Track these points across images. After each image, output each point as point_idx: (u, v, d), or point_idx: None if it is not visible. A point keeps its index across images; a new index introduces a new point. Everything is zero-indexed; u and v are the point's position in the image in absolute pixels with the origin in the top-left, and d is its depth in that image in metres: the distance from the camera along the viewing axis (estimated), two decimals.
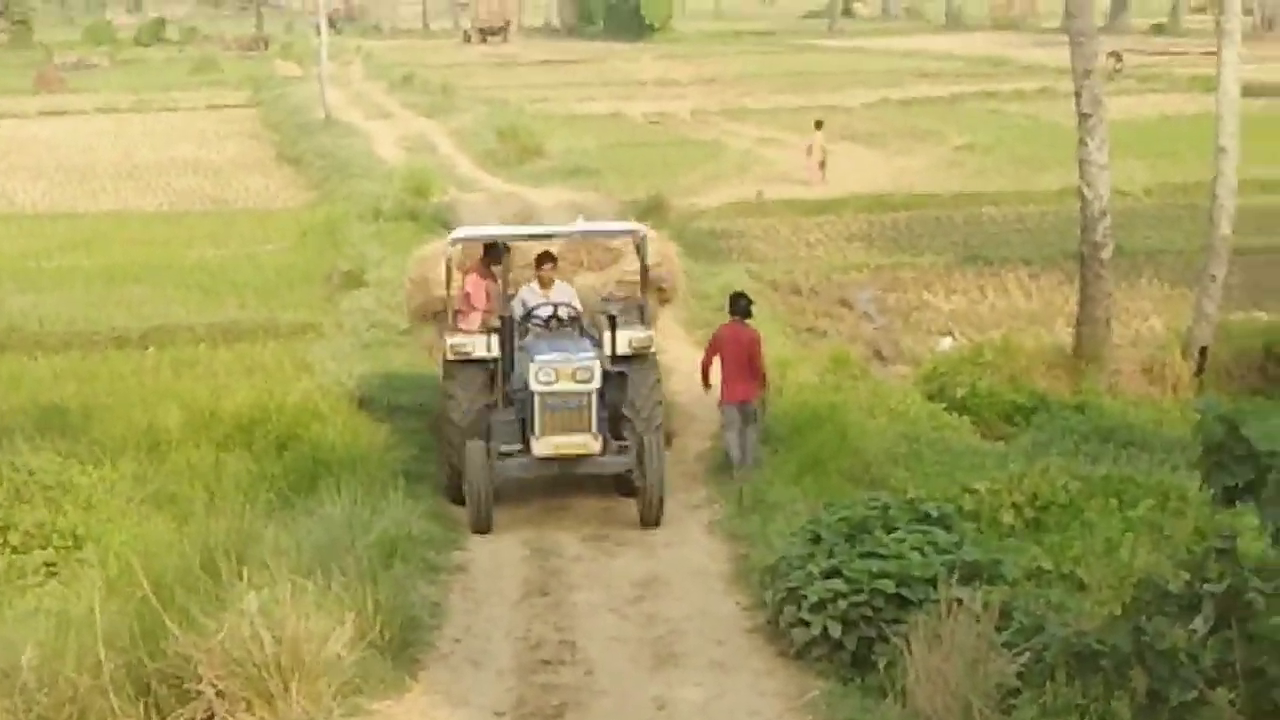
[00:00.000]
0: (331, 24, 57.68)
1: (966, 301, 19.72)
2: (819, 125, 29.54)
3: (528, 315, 11.25)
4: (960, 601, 6.28)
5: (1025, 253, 21.67)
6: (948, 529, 8.10)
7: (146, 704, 6.19)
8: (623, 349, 11.06)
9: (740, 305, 11.59)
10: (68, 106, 47.62)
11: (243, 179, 32.60)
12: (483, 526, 10.29)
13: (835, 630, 7.20)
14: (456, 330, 11.32)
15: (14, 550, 9.85)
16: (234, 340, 17.16)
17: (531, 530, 10.36)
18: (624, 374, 10.95)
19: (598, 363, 10.48)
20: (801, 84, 47.87)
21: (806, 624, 7.36)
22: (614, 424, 10.85)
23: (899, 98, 42.10)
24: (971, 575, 7.06)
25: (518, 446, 10.58)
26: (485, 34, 72.11)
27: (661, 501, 10.36)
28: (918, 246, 22.99)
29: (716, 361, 11.40)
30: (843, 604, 7.24)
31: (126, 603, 6.73)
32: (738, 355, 11.27)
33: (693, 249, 18.85)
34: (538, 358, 10.35)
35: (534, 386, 10.28)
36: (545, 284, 11.63)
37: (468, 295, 11.57)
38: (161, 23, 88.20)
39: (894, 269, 21.52)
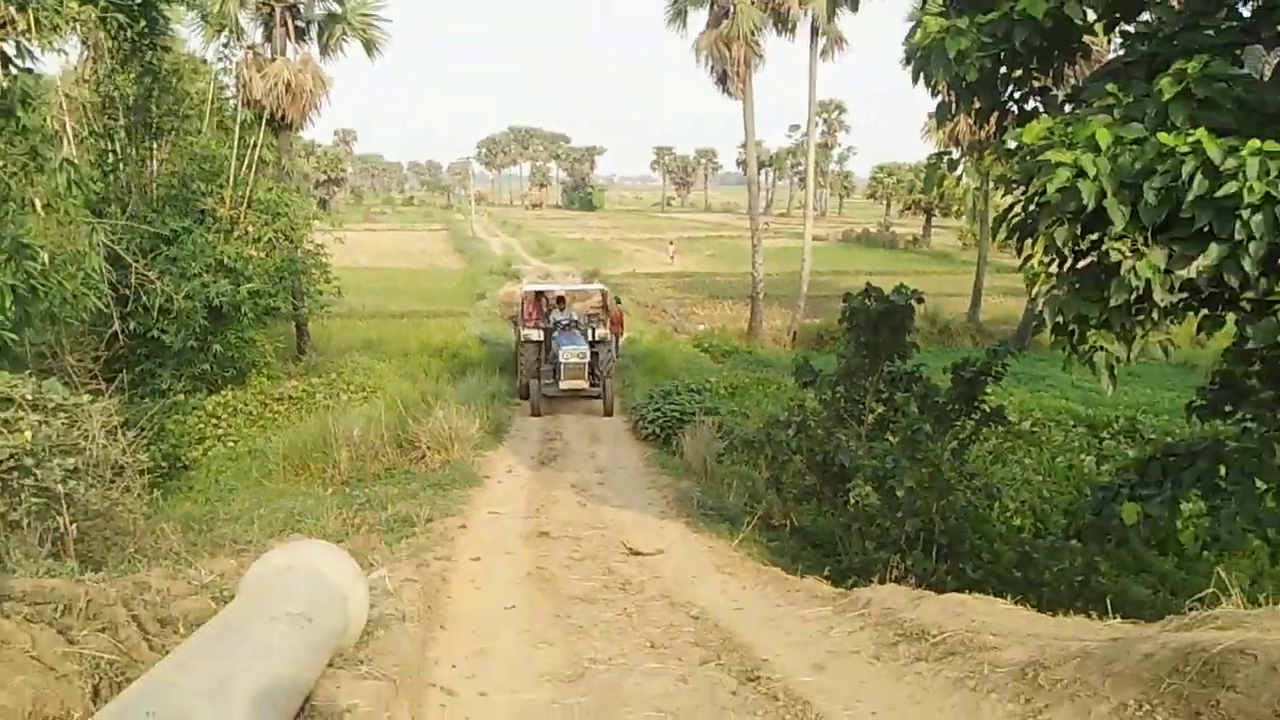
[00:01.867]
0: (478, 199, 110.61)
1: (710, 311, 37.81)
2: (671, 242, 59.72)
3: (556, 323, 20.54)
4: (703, 420, 15.47)
5: (732, 294, 39.82)
6: (699, 393, 18.08)
7: (402, 451, 15.45)
8: (597, 338, 20.36)
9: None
10: (376, 229, 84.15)
11: (441, 256, 62.36)
12: (536, 413, 19.15)
13: (657, 429, 16.66)
14: (526, 327, 20.50)
15: (351, 392, 21.35)
16: (437, 316, 33.84)
17: (554, 413, 19.42)
18: (597, 351, 19.99)
19: (588, 348, 19.59)
20: (656, 229, 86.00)
21: (647, 428, 16.89)
22: (594, 374, 19.67)
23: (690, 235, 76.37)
24: (708, 411, 16.28)
25: (551, 383, 19.57)
26: (534, 205, 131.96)
27: (612, 406, 19.30)
28: (695, 290, 43.29)
29: None
30: (660, 420, 16.68)
31: (393, 412, 15.86)
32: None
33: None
34: (564, 346, 19.44)
35: (562, 359, 19.34)
36: (562, 309, 21.48)
37: (530, 312, 21.13)
38: (411, 198, 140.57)
39: (683, 299, 40.62)
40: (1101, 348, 6.17)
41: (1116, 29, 7.49)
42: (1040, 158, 5.87)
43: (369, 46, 27.43)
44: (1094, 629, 5.15)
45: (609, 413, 19.22)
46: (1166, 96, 5.77)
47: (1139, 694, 4.03)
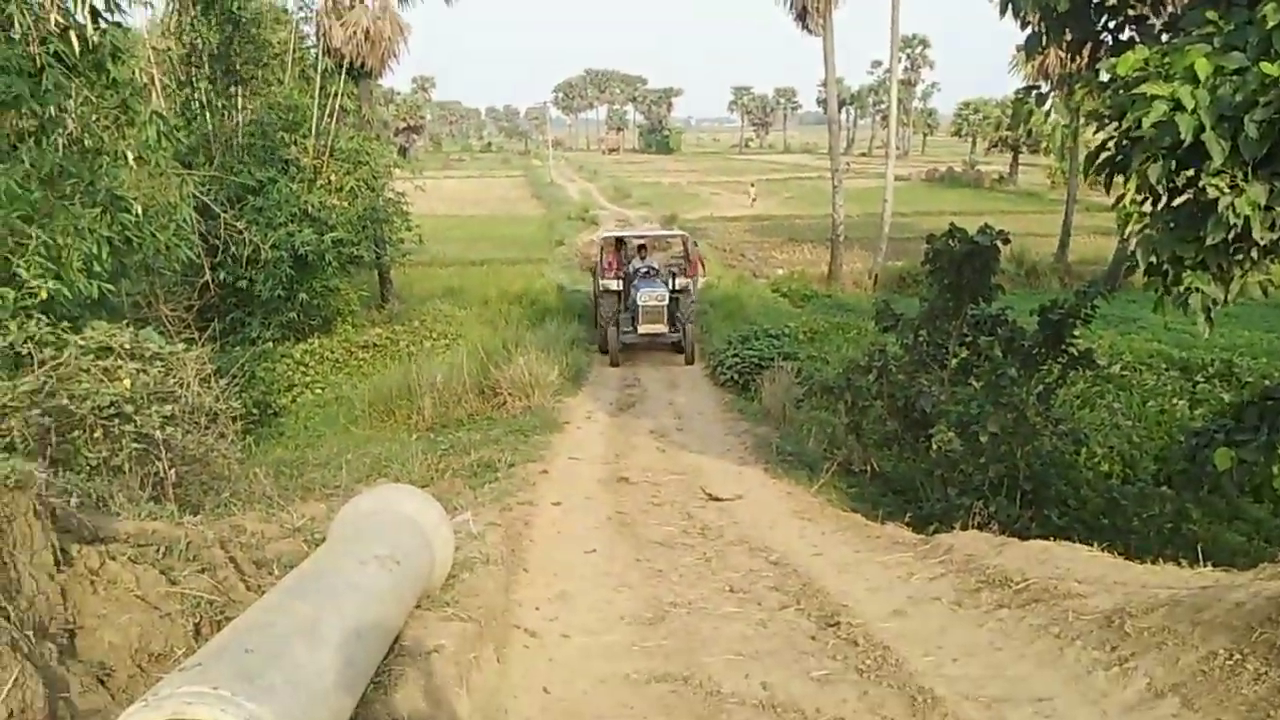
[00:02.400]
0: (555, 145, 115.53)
1: (789, 255, 37.24)
2: (752, 184, 58.83)
3: (635, 272, 19.92)
4: (781, 366, 15.40)
5: (811, 237, 39.00)
6: (777, 339, 17.72)
7: (484, 398, 15.68)
8: (677, 287, 19.53)
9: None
10: (454, 176, 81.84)
11: (519, 203, 61.36)
12: (615, 364, 18.74)
13: (735, 375, 16.59)
14: (604, 278, 19.96)
15: (433, 339, 21.66)
16: (516, 264, 33.78)
17: (633, 362, 19.11)
18: (677, 298, 19.29)
19: (667, 292, 19.00)
20: (733, 171, 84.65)
21: (725, 374, 16.83)
22: (673, 320, 19.05)
23: (769, 177, 74.70)
24: (787, 357, 16.17)
25: (630, 329, 19.01)
26: (611, 150, 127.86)
27: (693, 354, 18.94)
28: (774, 233, 42.10)
29: None
30: (737, 364, 16.62)
31: (475, 359, 16.06)
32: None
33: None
34: (642, 290, 18.86)
35: (640, 302, 18.74)
36: (643, 257, 20.64)
37: (610, 260, 20.58)
38: (489, 145, 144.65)
39: (762, 243, 39.71)
40: (1197, 289, 5.97)
41: None
42: (1135, 90, 5.66)
43: None
44: (1183, 577, 5.05)
45: (690, 360, 18.78)
46: (1271, 23, 5.50)
47: (1229, 643, 3.95)
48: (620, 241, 21.67)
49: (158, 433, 6.98)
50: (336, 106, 24.38)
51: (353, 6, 26.43)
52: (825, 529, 8.64)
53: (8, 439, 6.52)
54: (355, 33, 25.92)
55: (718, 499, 10.04)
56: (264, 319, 21.79)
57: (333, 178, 24.01)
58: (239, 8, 22.21)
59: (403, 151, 79.61)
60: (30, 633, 3.10)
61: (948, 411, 11.25)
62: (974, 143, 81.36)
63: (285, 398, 19.59)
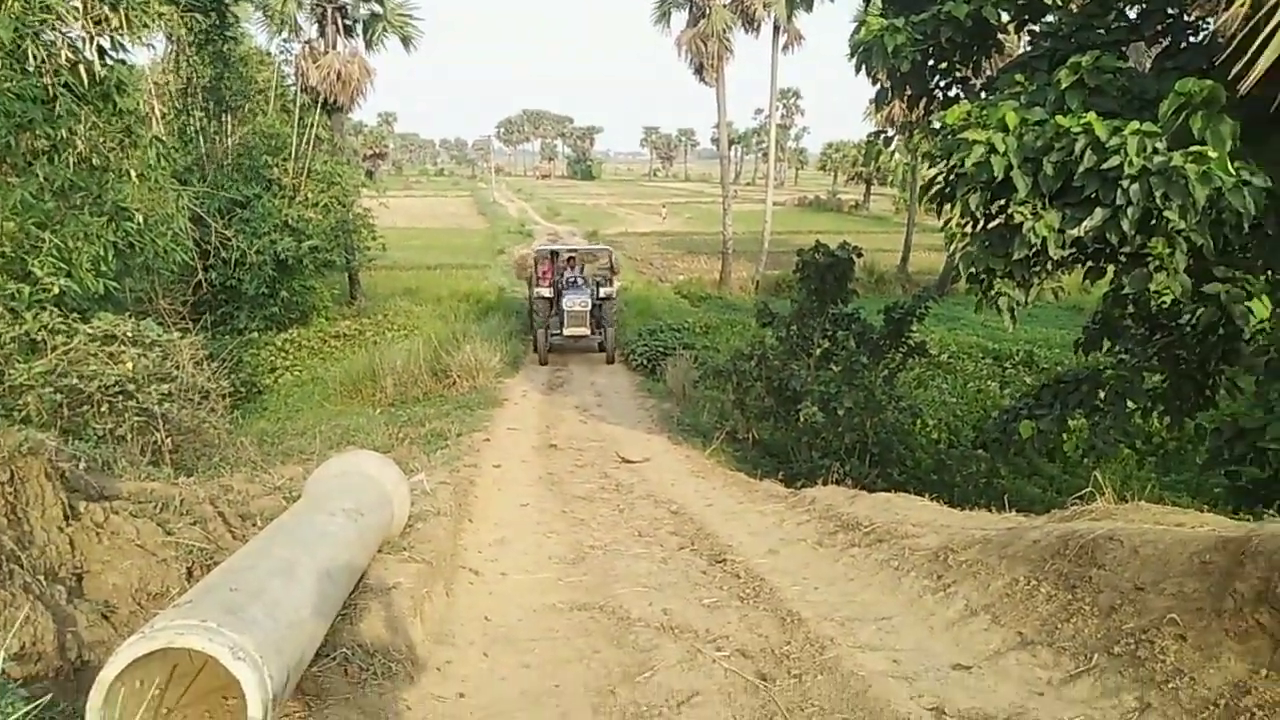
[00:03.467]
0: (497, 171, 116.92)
1: (688, 264, 36.69)
2: (664, 205, 61.21)
3: (564, 280, 18.55)
4: (682, 354, 15.41)
5: (707, 250, 38.30)
6: (679, 332, 17.65)
7: (437, 379, 15.40)
8: (602, 295, 18.09)
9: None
10: (413, 195, 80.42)
11: (466, 219, 58.76)
12: (543, 362, 17.28)
13: (644, 361, 16.52)
14: (538, 286, 18.27)
15: (394, 330, 20.64)
16: (464, 268, 32.83)
17: (561, 361, 17.90)
18: (601, 305, 17.99)
19: (589, 299, 17.68)
20: (644, 195, 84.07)
21: (636, 360, 16.69)
22: (597, 324, 17.90)
23: (673, 200, 72.15)
24: (686, 346, 16.15)
25: (557, 332, 17.56)
26: (543, 176, 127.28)
27: (613, 355, 17.75)
28: (676, 247, 41.99)
29: None
30: (646, 352, 16.53)
31: (429, 347, 15.73)
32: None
33: None
34: (568, 296, 17.56)
35: (565, 307, 17.41)
36: (572, 268, 19.22)
37: (544, 271, 18.66)
38: (442, 170, 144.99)
39: (666, 254, 39.62)
40: (1004, 293, 6.16)
41: (1025, 29, 7.37)
42: (959, 136, 5.80)
43: (405, 41, 26.84)
44: (994, 521, 5.20)
45: (610, 360, 17.71)
46: (1064, 85, 5.70)
47: (1028, 571, 4.09)
48: (554, 254, 20.39)
49: (156, 407, 6.72)
50: (313, 135, 23.73)
51: (326, 52, 25.71)
52: (715, 485, 8.70)
53: (24, 413, 6.22)
54: (329, 74, 25.21)
55: (629, 461, 10.02)
56: (250, 312, 21.14)
57: (309, 195, 23.36)
58: (229, 49, 21.46)
59: (369, 174, 78.00)
60: (41, 577, 2.95)
61: (812, 391, 11.39)
62: (835, 176, 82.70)
63: (268, 379, 19.03)
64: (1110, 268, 6.43)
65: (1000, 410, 9.24)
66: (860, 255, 12.14)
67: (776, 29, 28.96)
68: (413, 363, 15.75)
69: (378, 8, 26.11)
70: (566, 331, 17.54)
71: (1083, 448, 7.22)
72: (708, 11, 28.37)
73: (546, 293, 18.17)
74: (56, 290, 7.42)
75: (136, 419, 6.72)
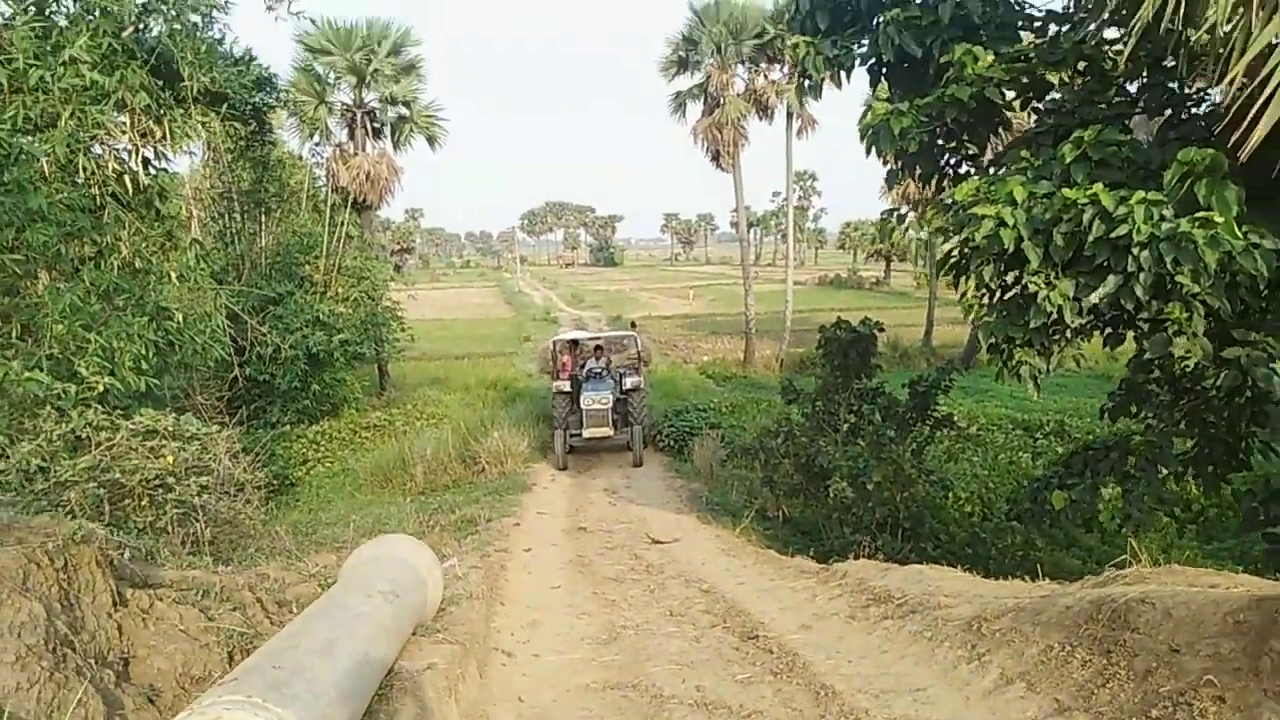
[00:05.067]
0: (521, 260, 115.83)
1: (712, 345, 36.58)
2: (692, 288, 62.33)
3: (586, 373, 16.56)
4: (708, 433, 15.47)
5: (729, 330, 38.57)
6: (705, 411, 17.53)
7: (466, 465, 15.51)
8: (628, 387, 16.20)
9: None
10: (439, 288, 79.84)
11: (492, 308, 59.46)
12: (561, 466, 15.37)
13: (672, 441, 16.45)
14: (557, 379, 16.59)
15: (423, 419, 20.87)
16: (491, 357, 33.37)
17: (585, 465, 16.16)
18: (627, 398, 16.06)
19: (611, 394, 15.66)
20: (666, 279, 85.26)
21: (664, 441, 16.61)
22: (623, 420, 15.91)
23: (694, 284, 72.42)
24: (712, 425, 16.10)
25: (576, 432, 15.63)
26: (567, 265, 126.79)
27: (641, 457, 15.65)
28: (699, 329, 42.06)
29: None
30: (673, 433, 16.46)
31: (458, 435, 15.94)
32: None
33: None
34: (586, 393, 15.57)
35: (583, 405, 15.43)
36: (598, 359, 17.13)
37: (564, 364, 17.12)
38: (468, 262, 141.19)
39: (690, 336, 40.00)
40: (1026, 362, 6.22)
41: (1030, 106, 7.59)
42: (970, 211, 5.97)
43: (431, 141, 27.82)
44: (1027, 589, 5.16)
45: (637, 463, 15.54)
46: (1068, 159, 5.87)
47: (1062, 638, 4.06)
48: (574, 344, 18.37)
49: (195, 499, 6.86)
50: (343, 233, 24.52)
51: (356, 154, 26.71)
52: (746, 562, 8.65)
53: (69, 508, 6.38)
54: (358, 174, 26.14)
55: (659, 542, 10.01)
56: (283, 406, 21.51)
57: (340, 290, 24.05)
58: (264, 155, 22.41)
59: (397, 269, 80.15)
60: (92, 660, 3.04)
61: (841, 466, 11.37)
62: (855, 254, 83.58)
63: (300, 471, 19.23)
64: (1130, 334, 6.49)
65: (1031, 480, 9.15)
66: (881, 330, 12.25)
67: (790, 115, 29.75)
68: (442, 451, 15.90)
69: (404, 110, 27.17)
70: (586, 433, 15.64)
71: (1118, 517, 7.13)
72: (722, 101, 29.24)
73: (566, 387, 16.35)
74: (101, 389, 7.67)
75: (176, 511, 6.86)
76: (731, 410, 21.26)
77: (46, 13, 9.62)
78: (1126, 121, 6.67)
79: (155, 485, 6.76)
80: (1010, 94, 7.05)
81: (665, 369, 29.15)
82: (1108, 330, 6.53)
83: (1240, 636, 3.33)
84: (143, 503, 6.70)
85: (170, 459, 6.89)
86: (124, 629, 3.40)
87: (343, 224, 24.54)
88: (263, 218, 23.43)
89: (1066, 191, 5.60)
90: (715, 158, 29.82)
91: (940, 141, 7.45)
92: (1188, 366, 6.27)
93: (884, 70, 7.69)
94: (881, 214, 8.19)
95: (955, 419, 12.86)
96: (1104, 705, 3.51)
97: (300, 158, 27.33)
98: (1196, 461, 7.26)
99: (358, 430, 21.89)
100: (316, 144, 27.23)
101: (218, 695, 2.51)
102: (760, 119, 29.87)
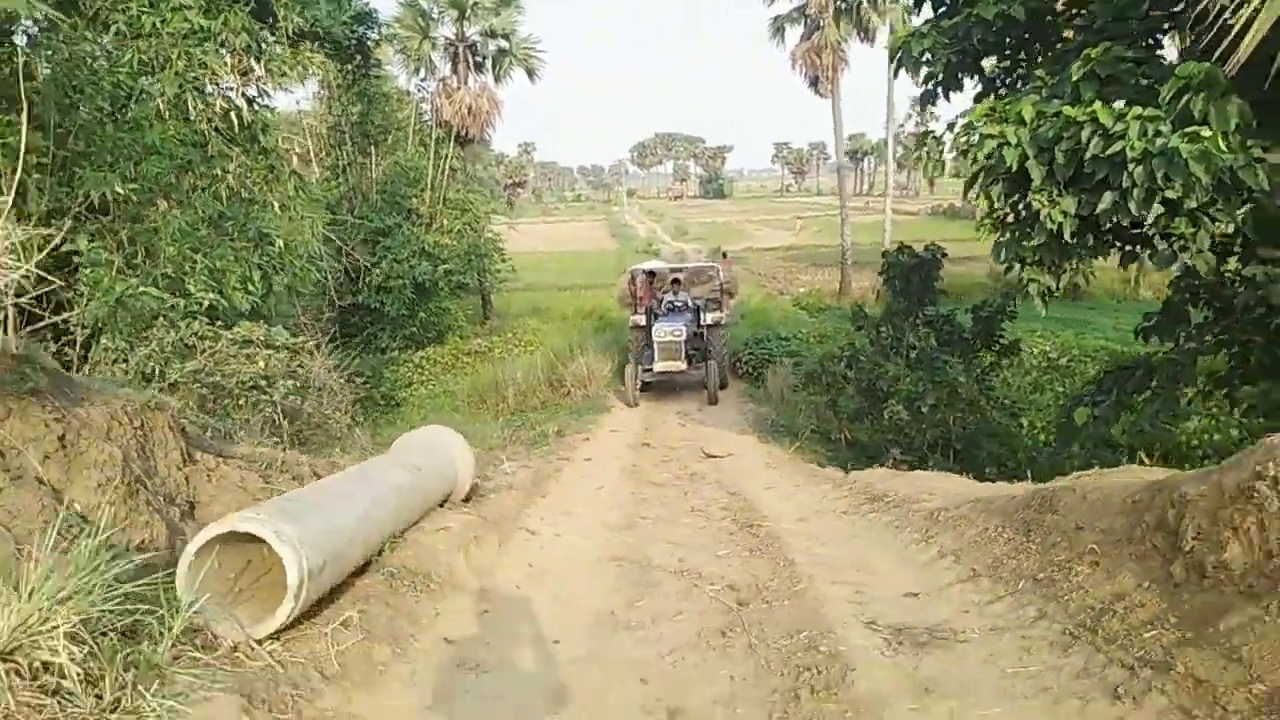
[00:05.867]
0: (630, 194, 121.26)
1: (811, 277, 36.27)
2: (799, 218, 61.91)
3: (665, 306, 16.17)
4: (784, 361, 15.90)
5: (831, 262, 36.85)
6: (786, 340, 17.77)
7: (553, 388, 16.44)
8: (707, 321, 15.82)
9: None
10: (550, 220, 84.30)
11: (599, 241, 60.12)
12: (632, 403, 14.68)
13: (750, 369, 16.80)
14: (635, 313, 16.26)
15: (520, 346, 21.97)
16: (590, 288, 32.63)
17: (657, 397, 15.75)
18: (705, 333, 15.65)
19: (685, 327, 14.97)
20: (774, 211, 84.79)
21: (742, 367, 16.95)
22: (702, 355, 15.33)
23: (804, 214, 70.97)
24: (791, 354, 16.46)
25: (649, 367, 14.98)
26: (676, 197, 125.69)
27: (716, 394, 14.90)
28: (802, 260, 41.71)
29: None
30: (751, 361, 16.81)
31: (545, 359, 16.95)
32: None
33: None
34: (659, 325, 15.03)
35: (655, 337, 14.88)
36: (675, 291, 16.63)
37: (641, 296, 16.70)
38: (579, 196, 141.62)
39: (790, 268, 39.77)
40: (1034, 279, 6.45)
41: (1072, 23, 7.57)
42: (977, 131, 6.18)
43: (530, 73, 28.52)
44: (1005, 488, 5.54)
45: (712, 400, 14.87)
46: (1075, 77, 5.99)
47: (999, 521, 4.49)
48: (651, 274, 17.71)
49: (281, 401, 7.86)
50: (447, 166, 25.64)
51: (459, 88, 27.63)
52: (784, 474, 9.19)
53: (179, 405, 7.47)
54: (460, 108, 27.09)
55: (712, 455, 10.60)
56: (392, 332, 23.05)
57: (445, 222, 25.28)
58: (371, 88, 23.58)
59: (509, 203, 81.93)
60: (160, 498, 3.90)
61: (899, 390, 11.66)
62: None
63: (405, 392, 20.64)
64: (1147, 254, 6.58)
65: (1070, 400, 9.27)
66: (945, 255, 12.30)
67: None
68: (531, 375, 16.89)
69: (504, 44, 27.87)
70: (657, 366, 14.96)
71: (1130, 433, 7.28)
72: (821, 24, 28.69)
73: (641, 320, 15.90)
74: (207, 304, 8.74)
75: (268, 410, 7.90)
76: (820, 340, 21.46)
77: None
78: (1158, 38, 6.66)
79: (249, 387, 7.80)
80: (1041, 13, 7.08)
81: (758, 300, 29.40)
82: (1126, 249, 6.64)
83: (1129, 514, 3.71)
84: (240, 402, 7.75)
85: (262, 364, 7.90)
86: (190, 480, 4.27)
87: (446, 157, 25.68)
88: (372, 150, 24.74)
89: (1066, 109, 5.75)
90: (814, 83, 29.43)
91: (972, 60, 7.55)
92: (1223, 287, 6.38)
93: None
94: (917, 136, 8.34)
95: (1036, 349, 12.87)
96: (1008, 573, 3.96)
97: (407, 93, 28.56)
98: (1227, 380, 7.32)
99: (459, 356, 23.23)
100: (421, 79, 28.39)
101: (240, 515, 3.30)
102: (862, 41, 29.20)
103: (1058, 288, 6.48)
